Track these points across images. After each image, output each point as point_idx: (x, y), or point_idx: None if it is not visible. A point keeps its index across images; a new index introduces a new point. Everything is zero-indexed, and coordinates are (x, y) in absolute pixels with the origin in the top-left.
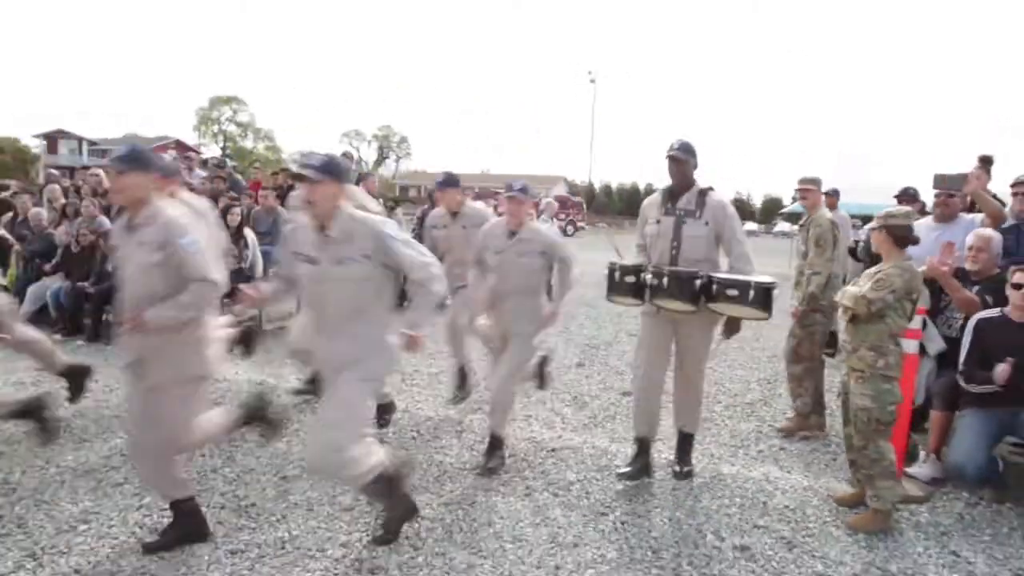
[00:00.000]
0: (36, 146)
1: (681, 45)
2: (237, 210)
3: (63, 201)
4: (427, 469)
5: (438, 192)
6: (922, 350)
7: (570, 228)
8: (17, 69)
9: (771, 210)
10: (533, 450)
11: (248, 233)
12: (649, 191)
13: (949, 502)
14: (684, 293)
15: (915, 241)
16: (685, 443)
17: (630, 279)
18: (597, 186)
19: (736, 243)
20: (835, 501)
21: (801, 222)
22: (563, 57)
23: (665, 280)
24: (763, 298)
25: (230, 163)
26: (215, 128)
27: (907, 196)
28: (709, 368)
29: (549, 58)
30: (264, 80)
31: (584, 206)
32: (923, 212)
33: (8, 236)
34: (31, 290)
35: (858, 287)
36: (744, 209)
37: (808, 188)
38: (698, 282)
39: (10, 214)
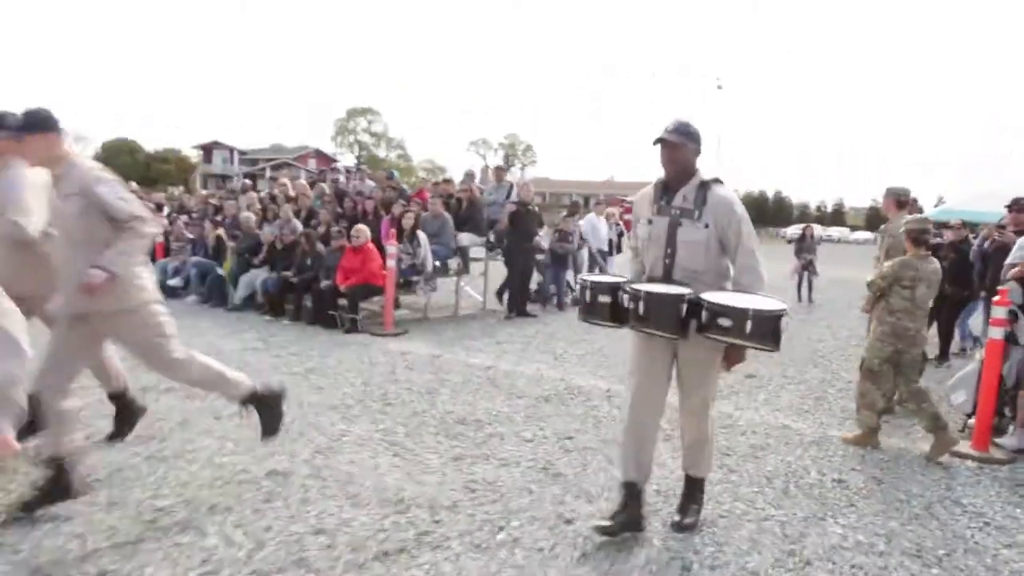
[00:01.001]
0: (194, 156)
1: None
2: (411, 214)
3: (259, 206)
4: (584, 421)
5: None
6: (1015, 340)
7: None
8: (176, 86)
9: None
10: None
11: (420, 234)
12: (780, 199)
13: None
14: (667, 321)
15: (927, 242)
16: (692, 488)
17: (605, 299)
18: None
19: (743, 252)
20: (925, 457)
21: (881, 228)
22: (691, 63)
23: (641, 304)
24: (765, 330)
25: (395, 174)
26: (351, 138)
27: (1019, 205)
28: (824, 360)
29: (675, 62)
30: (396, 90)
31: None
32: None
33: (224, 236)
34: (243, 279)
35: None
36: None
37: (888, 198)
38: (684, 306)
39: (218, 217)
